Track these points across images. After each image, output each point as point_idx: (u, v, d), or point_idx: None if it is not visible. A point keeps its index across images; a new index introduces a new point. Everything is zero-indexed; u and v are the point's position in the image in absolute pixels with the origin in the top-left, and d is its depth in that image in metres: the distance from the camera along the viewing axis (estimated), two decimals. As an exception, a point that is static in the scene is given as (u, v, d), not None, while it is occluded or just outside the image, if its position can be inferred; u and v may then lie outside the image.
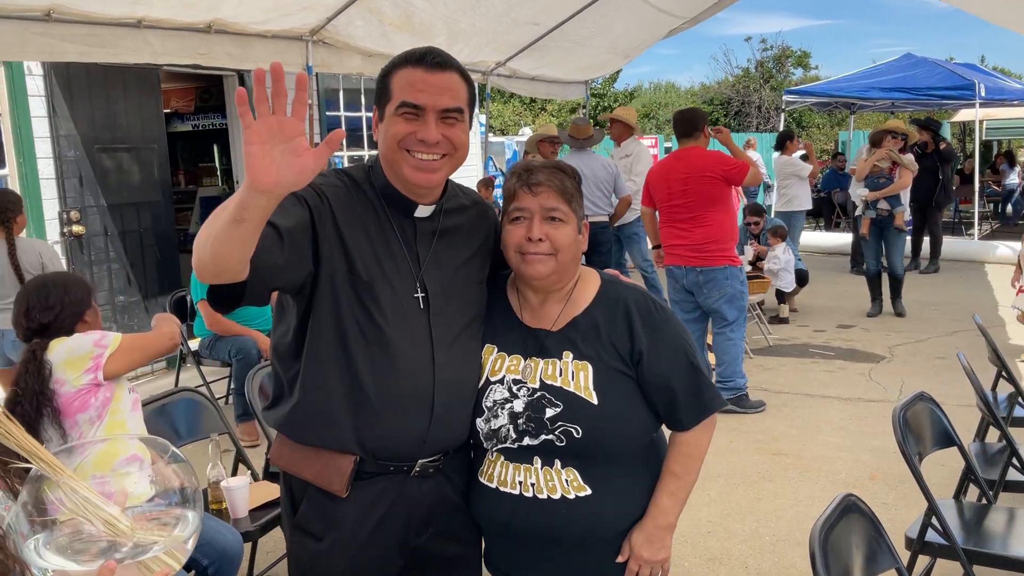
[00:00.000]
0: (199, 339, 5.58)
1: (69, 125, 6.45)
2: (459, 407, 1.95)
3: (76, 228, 6.55)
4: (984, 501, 3.30)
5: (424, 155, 1.83)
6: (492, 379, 1.97)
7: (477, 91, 11.85)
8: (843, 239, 13.09)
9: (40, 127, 6.29)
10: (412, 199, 1.92)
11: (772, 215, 10.02)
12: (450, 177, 1.99)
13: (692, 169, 5.62)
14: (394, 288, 1.88)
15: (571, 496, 1.90)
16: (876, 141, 8.60)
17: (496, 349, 2.01)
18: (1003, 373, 4.36)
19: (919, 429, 3.11)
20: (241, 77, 8.23)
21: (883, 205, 8.39)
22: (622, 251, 8.53)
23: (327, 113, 9.35)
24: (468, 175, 10.61)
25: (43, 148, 6.31)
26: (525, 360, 1.96)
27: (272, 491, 3.42)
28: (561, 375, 1.92)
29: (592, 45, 9.70)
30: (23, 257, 4.87)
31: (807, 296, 9.39)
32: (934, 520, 2.89)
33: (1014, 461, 3.43)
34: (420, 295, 1.91)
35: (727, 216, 5.69)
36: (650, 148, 15.99)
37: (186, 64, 5.95)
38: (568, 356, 1.94)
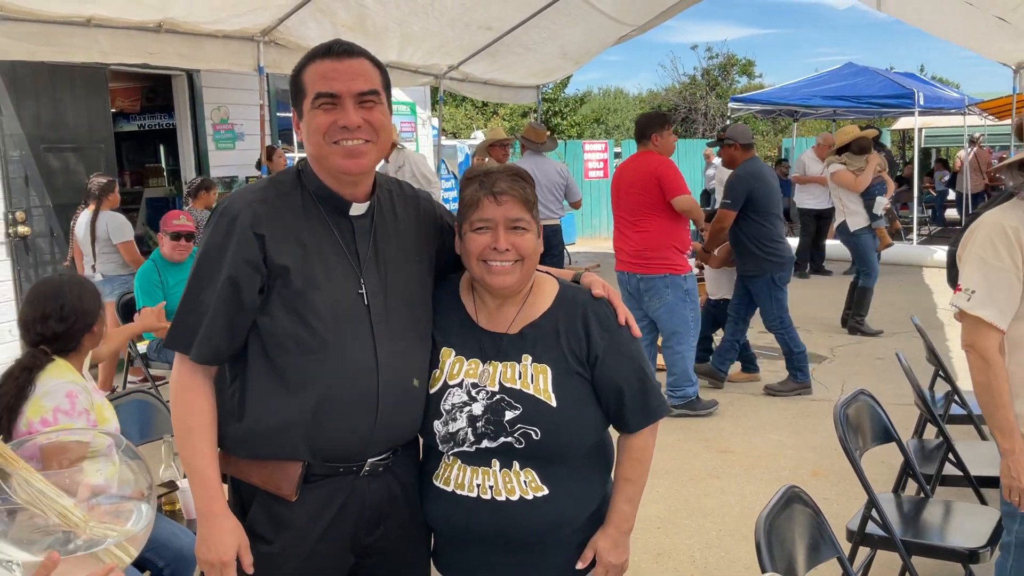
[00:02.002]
0: (147, 342, 5.53)
1: (14, 124, 6.36)
2: (405, 406, 1.95)
3: (21, 229, 6.46)
4: (922, 495, 3.42)
5: (349, 141, 1.84)
6: (451, 383, 1.97)
7: (430, 93, 11.71)
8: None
9: (-16, 126, 6.19)
10: (346, 198, 1.92)
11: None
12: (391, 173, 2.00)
13: (638, 174, 5.60)
14: (333, 292, 1.88)
15: (529, 497, 1.92)
16: (865, 147, 8.47)
17: (454, 352, 2.00)
18: (940, 372, 4.52)
19: (859, 425, 3.22)
20: (190, 77, 8.17)
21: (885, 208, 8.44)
22: None
23: (278, 114, 9.31)
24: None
25: (-13, 147, 6.21)
26: (483, 364, 1.96)
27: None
28: (520, 378, 1.93)
29: (543, 50, 9.80)
30: (98, 225, 6.27)
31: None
32: (874, 513, 3.00)
33: (950, 456, 3.56)
34: (362, 293, 1.91)
35: (670, 223, 5.55)
36: (601, 153, 16.17)
37: (136, 64, 5.90)
38: (527, 359, 1.95)
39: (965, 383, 4.50)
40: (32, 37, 5.08)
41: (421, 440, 2.08)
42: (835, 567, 2.57)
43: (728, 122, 15.52)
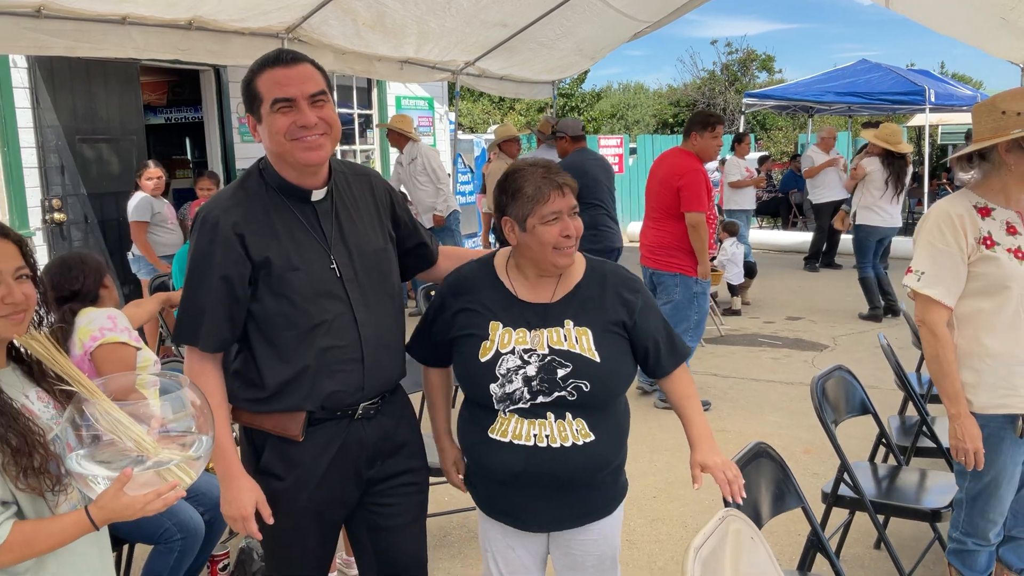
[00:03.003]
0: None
1: (52, 116, 6.69)
2: (385, 355, 2.27)
3: (57, 216, 6.81)
4: (895, 464, 3.68)
5: (309, 137, 2.10)
6: (503, 351, 2.23)
7: (447, 88, 12.03)
8: (798, 237, 13.56)
9: (24, 117, 6.53)
10: (306, 187, 2.18)
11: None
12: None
13: (667, 174, 5.69)
14: (309, 271, 2.15)
15: (580, 442, 2.21)
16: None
17: (501, 325, 2.26)
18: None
19: (835, 398, 3.47)
20: (218, 72, 8.49)
21: None
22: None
23: (300, 108, 9.61)
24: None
25: (26, 138, 6.56)
26: (531, 332, 2.24)
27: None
28: (566, 340, 2.22)
29: (558, 47, 10.04)
30: (127, 206, 6.98)
31: (761, 291, 9.81)
32: (846, 476, 3.26)
33: (924, 429, 3.82)
34: (333, 267, 2.20)
35: (682, 225, 5.61)
36: (616, 148, 16.38)
37: (168, 59, 6.21)
38: (569, 324, 2.25)
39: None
40: (71, 34, 5.39)
41: (464, 395, 2.36)
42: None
43: (743, 117, 15.70)
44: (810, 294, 10.07)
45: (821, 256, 11.83)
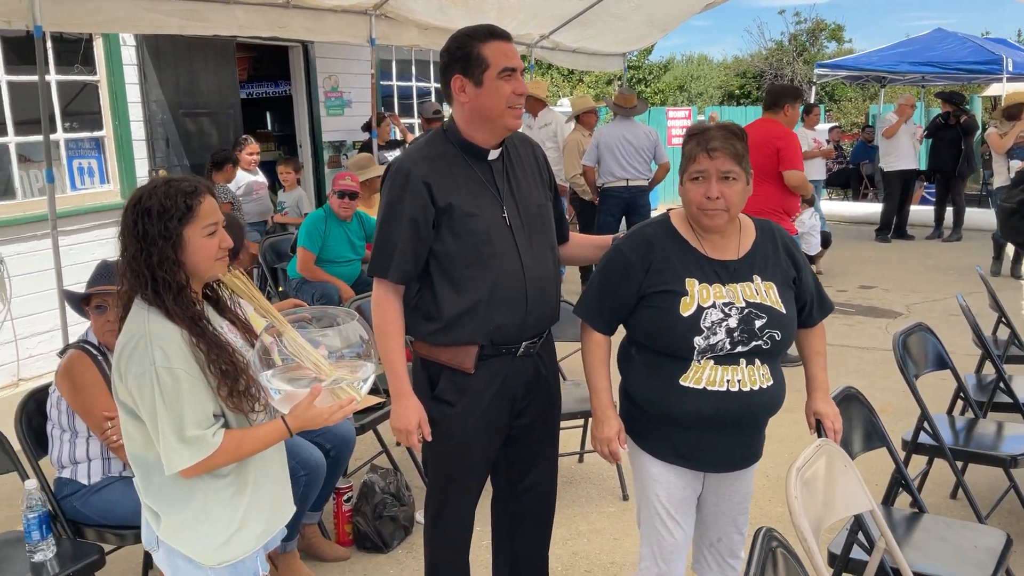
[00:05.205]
0: (291, 280, 6.19)
1: (158, 91, 7.10)
2: (545, 297, 2.57)
3: (163, 186, 7.23)
4: (973, 416, 3.85)
5: (518, 106, 2.46)
6: (704, 305, 2.35)
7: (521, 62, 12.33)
8: (869, 208, 13.52)
9: (133, 92, 6.95)
10: (485, 147, 2.51)
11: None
12: None
13: (760, 139, 5.73)
14: (485, 218, 2.48)
15: (765, 386, 2.38)
16: (1014, 114, 8.75)
17: (697, 282, 2.39)
18: (1002, 319, 4.90)
19: (916, 352, 3.67)
20: (305, 48, 8.84)
21: None
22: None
23: (381, 83, 9.93)
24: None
25: (135, 112, 6.98)
26: (725, 286, 2.38)
27: (367, 401, 4.05)
28: (758, 293, 2.39)
29: (631, 19, 10.19)
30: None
31: (833, 261, 9.89)
32: (926, 424, 3.46)
33: (1001, 385, 3.98)
34: (504, 216, 2.51)
35: (780, 190, 5.79)
36: (684, 120, 16.44)
37: (268, 36, 6.56)
38: (757, 279, 2.42)
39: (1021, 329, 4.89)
40: (182, 13, 5.77)
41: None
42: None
43: (813, 88, 15.66)
44: (882, 264, 10.12)
45: (893, 227, 11.80)
